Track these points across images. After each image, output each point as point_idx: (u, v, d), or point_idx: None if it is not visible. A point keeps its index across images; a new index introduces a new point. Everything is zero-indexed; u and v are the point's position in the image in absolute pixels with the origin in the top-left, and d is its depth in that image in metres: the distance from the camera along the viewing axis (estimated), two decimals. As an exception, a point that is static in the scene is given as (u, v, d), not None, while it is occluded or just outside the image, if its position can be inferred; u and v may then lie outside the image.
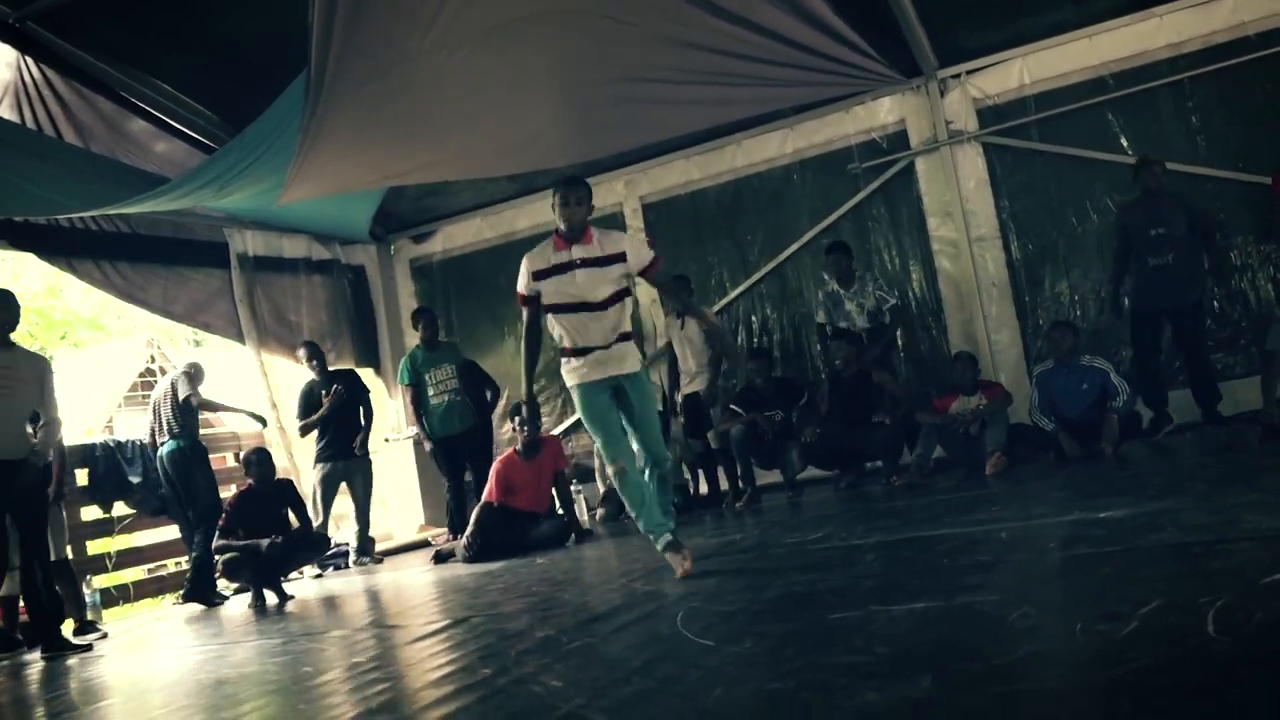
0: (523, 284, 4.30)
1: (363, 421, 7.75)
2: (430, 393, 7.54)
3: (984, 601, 2.71)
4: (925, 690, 2.00)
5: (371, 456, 7.86)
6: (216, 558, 6.19)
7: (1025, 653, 2.21)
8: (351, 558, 7.61)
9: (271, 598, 6.04)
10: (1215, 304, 6.78)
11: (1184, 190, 6.55)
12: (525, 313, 4.38)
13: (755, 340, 8.21)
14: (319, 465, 7.54)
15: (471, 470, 7.55)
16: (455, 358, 7.74)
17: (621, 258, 4.22)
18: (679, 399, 7.47)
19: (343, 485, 7.64)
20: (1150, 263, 6.25)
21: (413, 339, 9.47)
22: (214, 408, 7.43)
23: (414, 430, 8.72)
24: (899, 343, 7.48)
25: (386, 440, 8.84)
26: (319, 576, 7.23)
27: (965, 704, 1.91)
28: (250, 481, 6.34)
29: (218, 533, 6.12)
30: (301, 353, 7.83)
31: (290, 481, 6.81)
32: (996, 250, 7.39)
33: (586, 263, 4.19)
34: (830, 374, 6.75)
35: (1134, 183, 6.43)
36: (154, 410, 6.95)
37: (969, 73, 7.40)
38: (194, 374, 6.91)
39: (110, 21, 6.83)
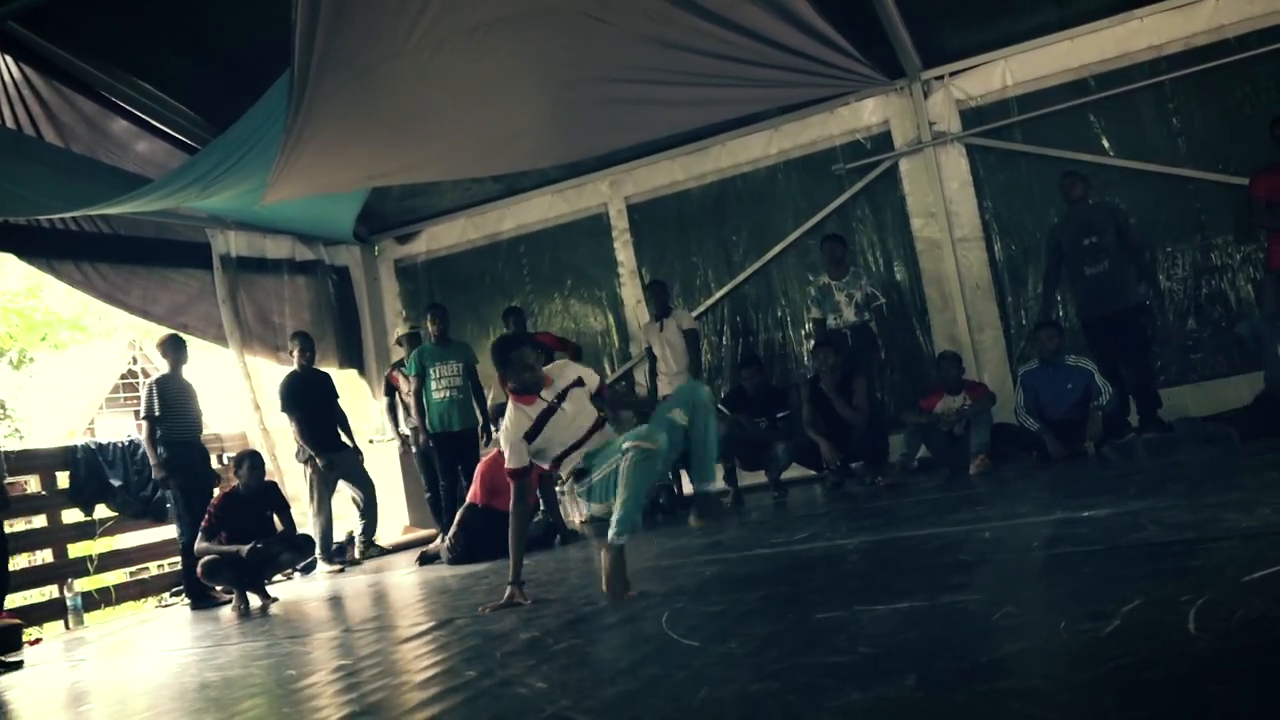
0: (515, 458, 4.02)
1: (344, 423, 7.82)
2: (433, 387, 7.48)
3: (968, 601, 2.72)
4: (909, 689, 2.01)
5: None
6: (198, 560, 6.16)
7: (1009, 651, 2.22)
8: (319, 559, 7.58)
9: (255, 600, 6.01)
10: (1199, 305, 6.86)
11: (1125, 201, 6.72)
12: (514, 488, 4.06)
13: (740, 340, 8.23)
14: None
15: (463, 471, 7.52)
16: (464, 356, 7.68)
17: (579, 382, 4.13)
18: (659, 400, 7.50)
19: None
20: (1086, 272, 6.39)
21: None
22: None
23: (403, 430, 8.69)
24: (879, 342, 7.52)
25: (371, 442, 8.81)
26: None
27: (949, 703, 1.92)
28: (235, 483, 6.30)
29: (201, 534, 6.07)
30: (295, 343, 7.75)
31: (275, 484, 6.78)
32: (980, 250, 7.43)
33: (562, 396, 4.06)
34: (811, 380, 6.75)
35: (1062, 198, 6.59)
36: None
37: (952, 74, 7.45)
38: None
39: (92, 21, 6.77)
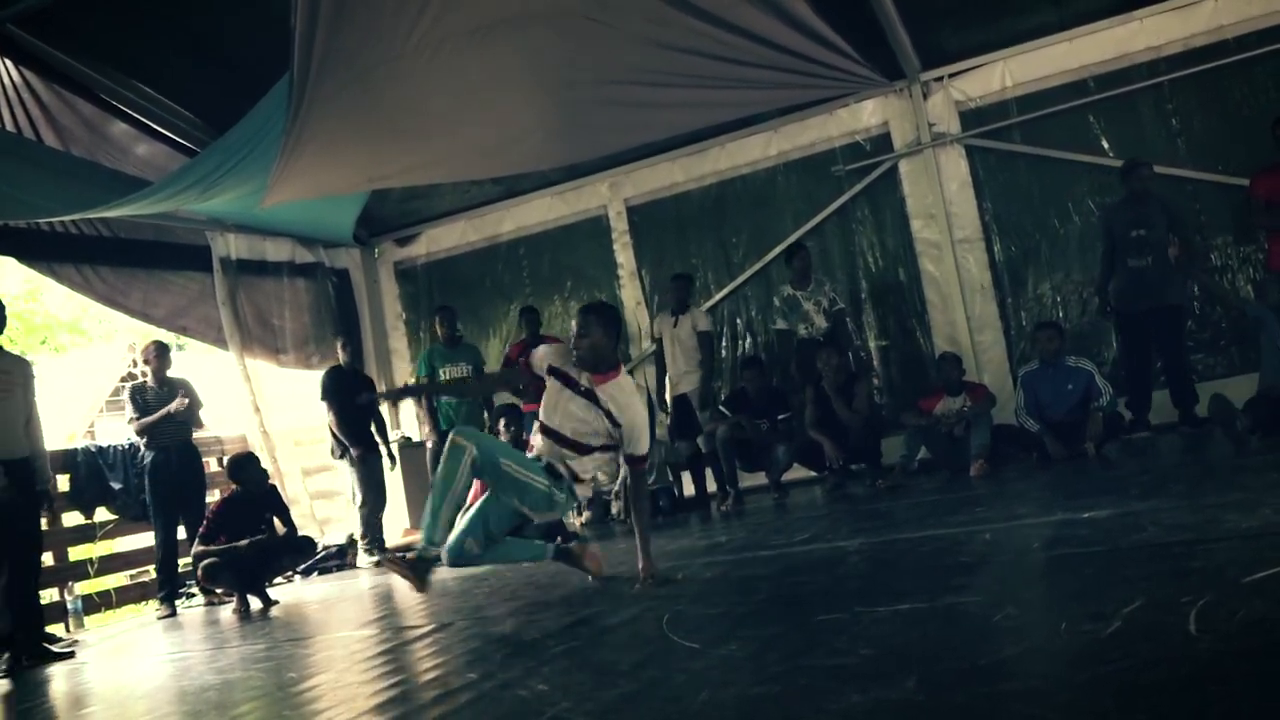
0: (537, 361, 4.04)
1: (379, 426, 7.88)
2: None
3: (968, 602, 2.72)
4: (910, 691, 2.01)
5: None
6: (198, 563, 6.16)
7: (1009, 653, 2.21)
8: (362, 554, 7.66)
9: (255, 603, 6.00)
10: (1195, 306, 6.85)
11: (1167, 194, 6.62)
12: (512, 370, 4.03)
13: (740, 342, 8.24)
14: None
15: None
16: (473, 358, 7.72)
17: (616, 423, 3.91)
18: (667, 399, 7.49)
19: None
20: (1130, 264, 6.31)
21: (398, 342, 9.49)
22: None
23: (399, 434, 8.71)
24: (854, 348, 7.53)
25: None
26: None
27: (950, 704, 1.92)
28: (234, 487, 6.29)
29: (198, 539, 6.07)
30: (338, 341, 7.89)
31: (274, 486, 6.78)
32: (980, 252, 7.44)
33: (589, 395, 3.91)
34: (815, 382, 6.76)
35: (1122, 184, 6.48)
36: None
37: (951, 75, 7.45)
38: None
39: (91, 24, 6.78)
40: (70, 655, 5.21)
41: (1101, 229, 6.62)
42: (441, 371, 7.55)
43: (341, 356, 7.76)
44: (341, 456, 7.57)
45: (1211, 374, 6.76)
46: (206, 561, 5.96)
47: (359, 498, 7.55)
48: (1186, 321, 6.61)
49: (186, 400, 6.66)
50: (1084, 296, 7.04)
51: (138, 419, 6.63)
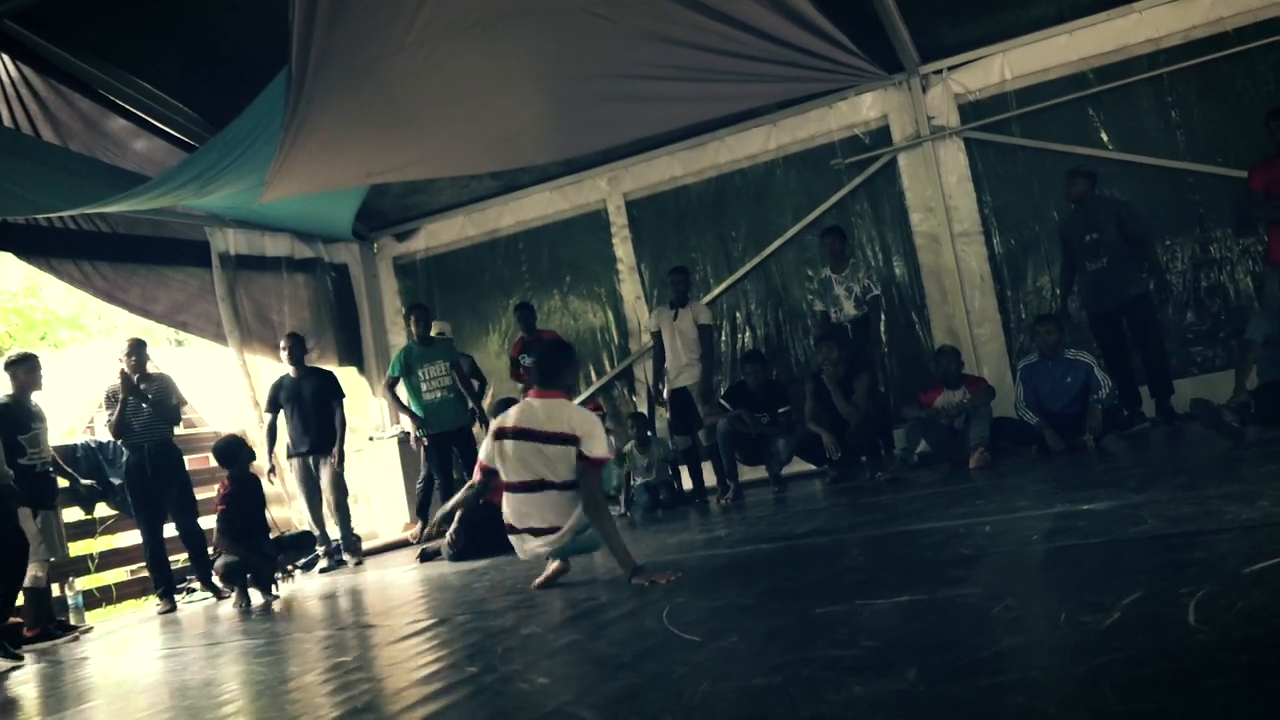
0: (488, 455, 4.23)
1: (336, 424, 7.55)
2: (424, 388, 7.51)
3: (968, 594, 2.72)
4: (910, 683, 2.01)
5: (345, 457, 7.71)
6: (216, 560, 6.18)
7: (1009, 644, 2.22)
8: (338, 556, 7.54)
9: (256, 598, 6.01)
10: (1199, 298, 6.88)
11: (1123, 198, 6.78)
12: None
13: (740, 336, 8.24)
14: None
15: (464, 466, 7.53)
16: (449, 355, 7.72)
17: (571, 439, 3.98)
18: (664, 392, 7.49)
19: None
20: (1088, 267, 6.47)
21: (397, 337, 9.49)
22: None
23: (398, 429, 8.70)
24: (881, 337, 7.51)
25: (371, 439, 8.81)
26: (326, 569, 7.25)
27: (950, 696, 1.92)
28: (230, 474, 6.28)
29: (218, 530, 6.05)
30: (283, 343, 7.63)
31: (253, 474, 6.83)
32: (978, 245, 7.44)
33: (520, 434, 4.09)
34: (814, 375, 6.76)
35: (1065, 198, 6.66)
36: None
37: (951, 68, 7.45)
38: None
39: (89, 20, 6.77)
40: (19, 663, 5.06)
41: (1059, 240, 6.77)
42: (420, 371, 7.52)
43: (285, 360, 7.50)
44: (293, 457, 7.46)
45: (1212, 365, 6.78)
46: (226, 560, 5.97)
47: (304, 505, 7.44)
48: (1154, 310, 6.64)
49: (131, 362, 6.45)
50: (1081, 290, 7.03)
51: (112, 420, 6.51)
